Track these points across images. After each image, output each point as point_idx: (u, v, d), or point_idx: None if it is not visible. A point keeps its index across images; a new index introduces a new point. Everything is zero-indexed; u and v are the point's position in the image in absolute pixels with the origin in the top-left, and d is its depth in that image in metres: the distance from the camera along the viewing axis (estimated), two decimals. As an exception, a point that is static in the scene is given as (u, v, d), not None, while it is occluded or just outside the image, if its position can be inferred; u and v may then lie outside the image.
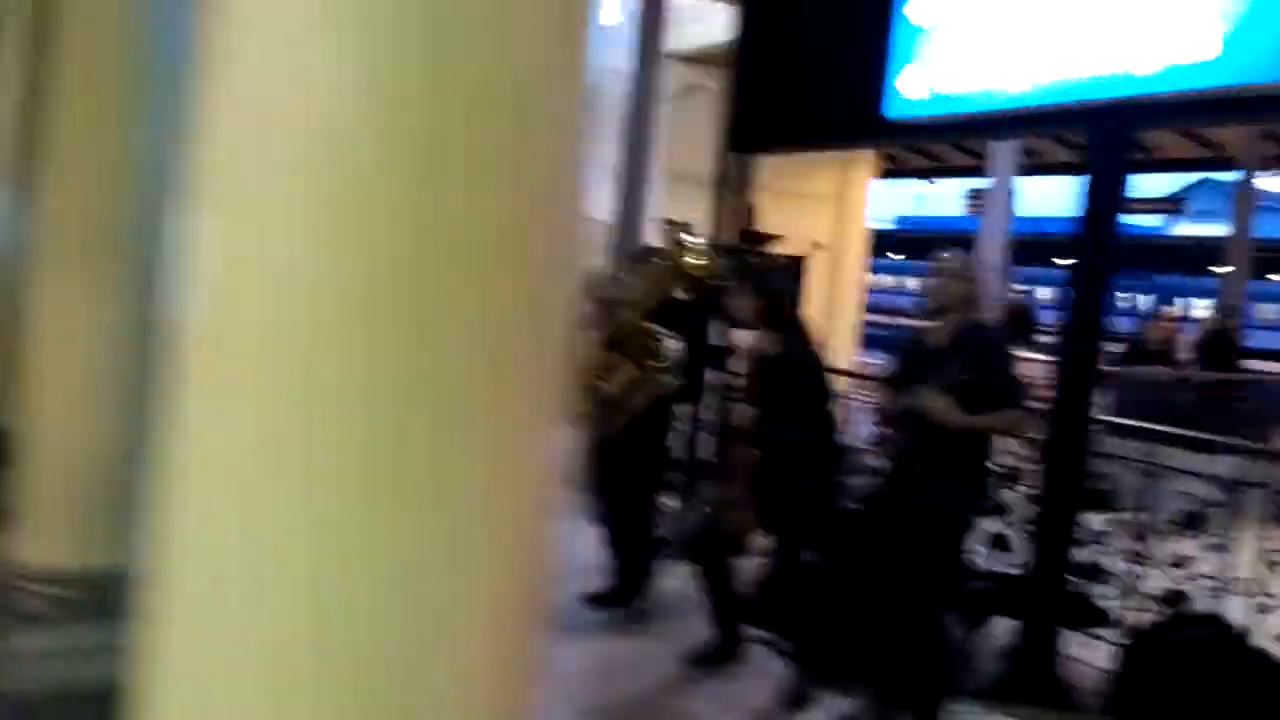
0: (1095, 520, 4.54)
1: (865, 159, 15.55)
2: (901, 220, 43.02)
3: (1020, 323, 15.02)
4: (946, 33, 4.25)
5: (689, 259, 4.80)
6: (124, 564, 3.61)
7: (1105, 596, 4.49)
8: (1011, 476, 4.71)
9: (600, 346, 4.83)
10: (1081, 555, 4.54)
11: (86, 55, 3.49)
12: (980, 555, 4.74)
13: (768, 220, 14.71)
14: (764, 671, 4.26)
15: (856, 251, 15.43)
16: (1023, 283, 21.96)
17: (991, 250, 10.61)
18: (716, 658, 4.41)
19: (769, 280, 4.39)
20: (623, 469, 4.94)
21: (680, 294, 4.98)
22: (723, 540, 4.30)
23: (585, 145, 1.37)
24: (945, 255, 3.87)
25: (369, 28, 1.08)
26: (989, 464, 3.94)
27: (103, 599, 3.53)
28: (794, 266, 14.71)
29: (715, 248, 5.21)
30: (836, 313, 14.97)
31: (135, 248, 3.57)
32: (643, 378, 4.77)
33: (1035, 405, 4.09)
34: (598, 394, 4.87)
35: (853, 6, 4.79)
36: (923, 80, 4.32)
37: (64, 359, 3.49)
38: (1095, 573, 4.54)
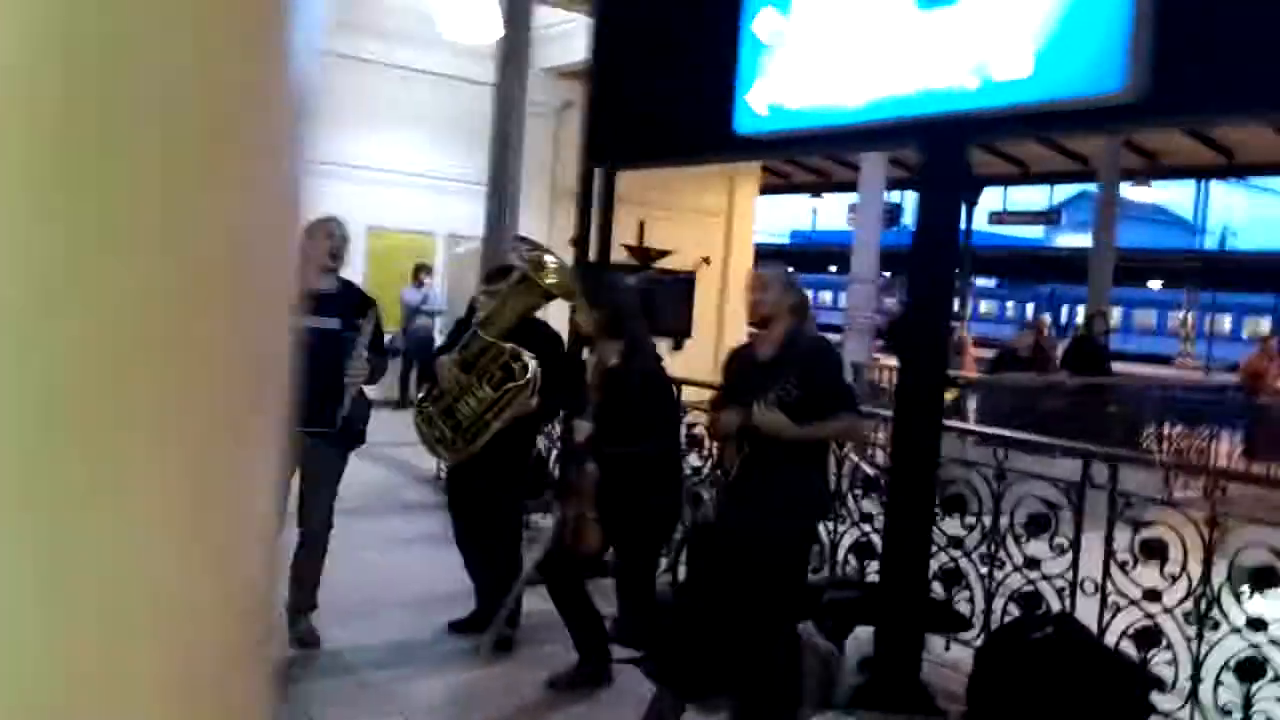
0: (951, 526, 4.62)
1: (752, 175, 15.81)
2: (795, 235, 43.83)
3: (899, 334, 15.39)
4: (788, 49, 4.29)
5: (543, 276, 4.75)
6: None
7: (964, 601, 4.56)
8: (874, 484, 4.76)
9: (456, 367, 4.74)
10: (940, 560, 4.62)
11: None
12: (847, 565, 4.79)
13: (659, 236, 14.86)
14: (629, 693, 4.21)
15: (745, 266, 15.64)
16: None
17: (865, 263, 10.81)
18: (580, 681, 4.34)
19: (609, 292, 4.36)
20: (482, 492, 4.85)
21: (535, 313, 4.93)
22: (573, 560, 4.25)
23: (285, 149, 1.29)
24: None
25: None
26: (828, 473, 3.98)
27: None
28: (683, 281, 14.83)
29: (581, 265, 5.18)
30: (727, 327, 15.11)
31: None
32: (499, 398, 4.69)
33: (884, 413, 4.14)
34: (453, 417, 4.78)
35: (706, 22, 4.81)
36: (767, 96, 4.35)
37: None
38: (954, 577, 4.61)
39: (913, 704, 4.20)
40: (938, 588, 4.61)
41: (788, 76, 4.28)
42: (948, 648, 4.61)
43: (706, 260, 15.06)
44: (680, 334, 14.18)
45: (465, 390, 4.75)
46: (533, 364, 4.63)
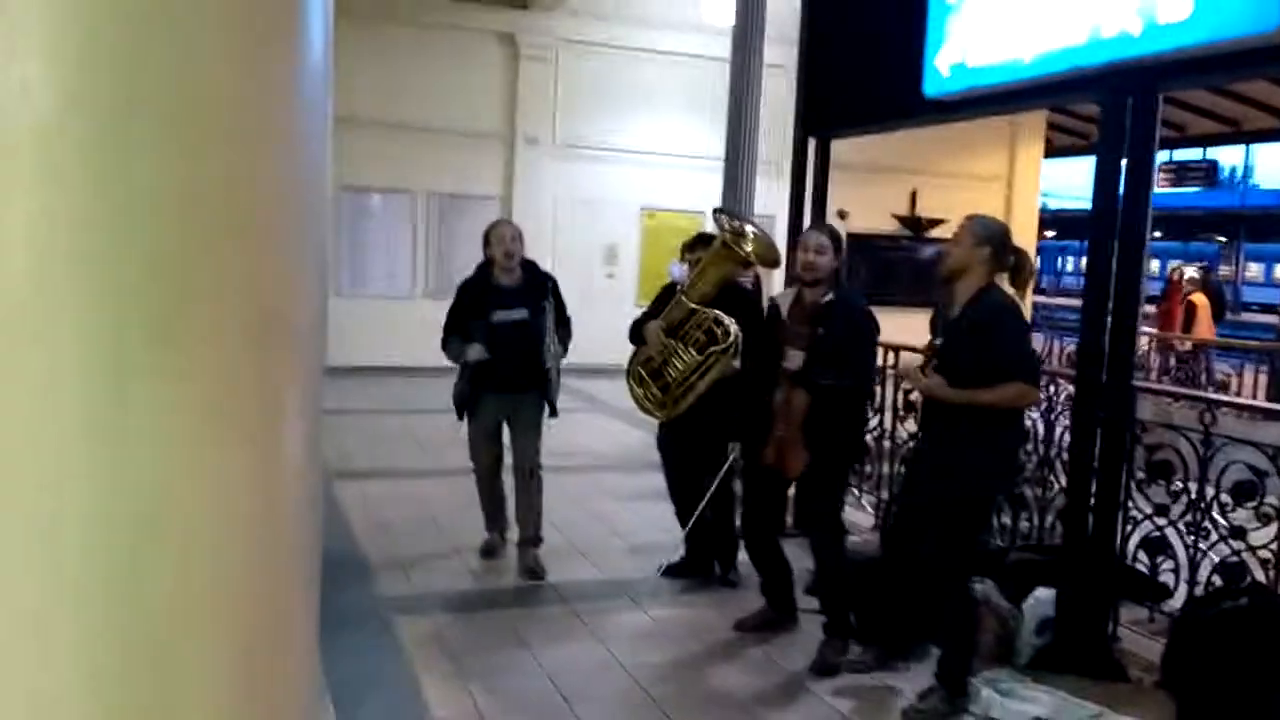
0: (1158, 494, 4.44)
1: (1035, 136, 15.04)
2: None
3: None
4: (970, 9, 4.28)
5: (743, 244, 4.99)
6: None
7: (1170, 571, 4.38)
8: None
9: (661, 331, 5.10)
10: (1144, 528, 4.45)
11: None
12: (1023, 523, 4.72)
13: (932, 204, 14.52)
14: (810, 637, 4.43)
15: (1028, 233, 14.92)
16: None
17: None
18: (764, 625, 4.60)
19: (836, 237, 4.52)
20: (690, 448, 5.19)
21: (739, 279, 5.20)
22: (767, 508, 4.47)
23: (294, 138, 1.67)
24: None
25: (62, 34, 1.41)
26: (1012, 436, 3.93)
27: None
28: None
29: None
30: (1008, 297, 14.52)
31: None
32: (703, 361, 4.99)
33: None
34: (661, 378, 5.15)
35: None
36: (950, 58, 4.37)
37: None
38: (1160, 546, 4.42)
39: (1098, 669, 4.12)
40: (1143, 556, 4.44)
41: (968, 36, 4.28)
42: (1152, 618, 4.44)
43: (984, 228, 14.49)
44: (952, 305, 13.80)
45: (671, 353, 5.10)
46: (734, 328, 4.90)
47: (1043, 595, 4.23)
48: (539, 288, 5.25)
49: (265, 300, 1.63)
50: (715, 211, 5.14)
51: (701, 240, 5.23)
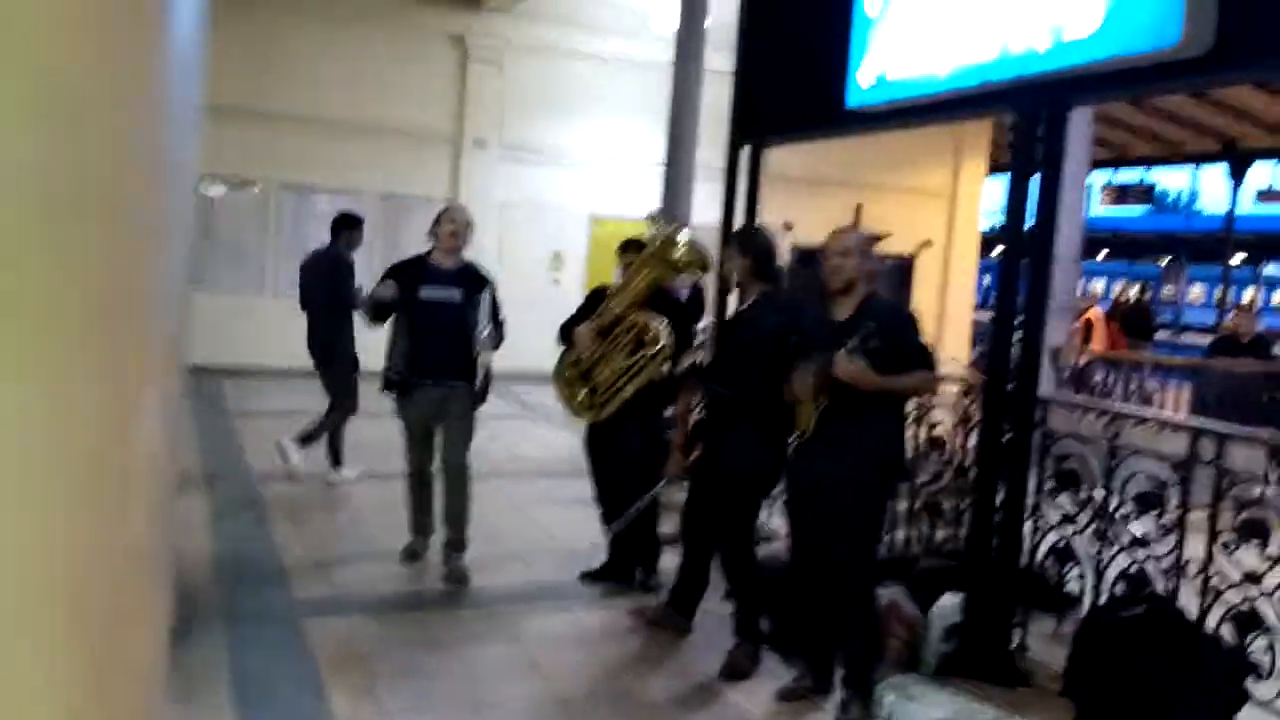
0: (1064, 501, 4.52)
1: (979, 153, 15.26)
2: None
3: (1141, 320, 14.41)
4: (890, 23, 4.35)
5: (672, 250, 5.03)
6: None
7: (1073, 579, 4.47)
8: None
9: (591, 334, 5.11)
10: (1051, 538, 4.53)
11: None
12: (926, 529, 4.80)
13: (876, 217, 14.67)
14: (713, 636, 4.46)
15: (969, 250, 15.14)
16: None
17: (1066, 241, 10.23)
18: (665, 621, 4.64)
19: (756, 239, 4.55)
20: (615, 453, 5.21)
21: (669, 283, 5.23)
22: (696, 507, 4.52)
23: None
24: (843, 232, 4.00)
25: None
26: (904, 432, 4.04)
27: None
28: (900, 265, 14.58)
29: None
30: (949, 313, 14.72)
31: None
32: (631, 365, 5.02)
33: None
34: (589, 382, 5.16)
35: (831, 2, 4.90)
36: (872, 70, 4.43)
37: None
38: (1066, 556, 4.51)
39: (1003, 675, 4.18)
40: (1050, 566, 4.53)
41: (888, 50, 4.35)
42: (1058, 628, 4.52)
43: (927, 243, 14.72)
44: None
45: (600, 356, 5.12)
46: (665, 332, 4.93)
47: (950, 602, 4.29)
48: (475, 279, 5.23)
49: (112, 288, 1.60)
50: (649, 216, 5.17)
51: (635, 244, 5.26)
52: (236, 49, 11.61)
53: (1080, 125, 10.16)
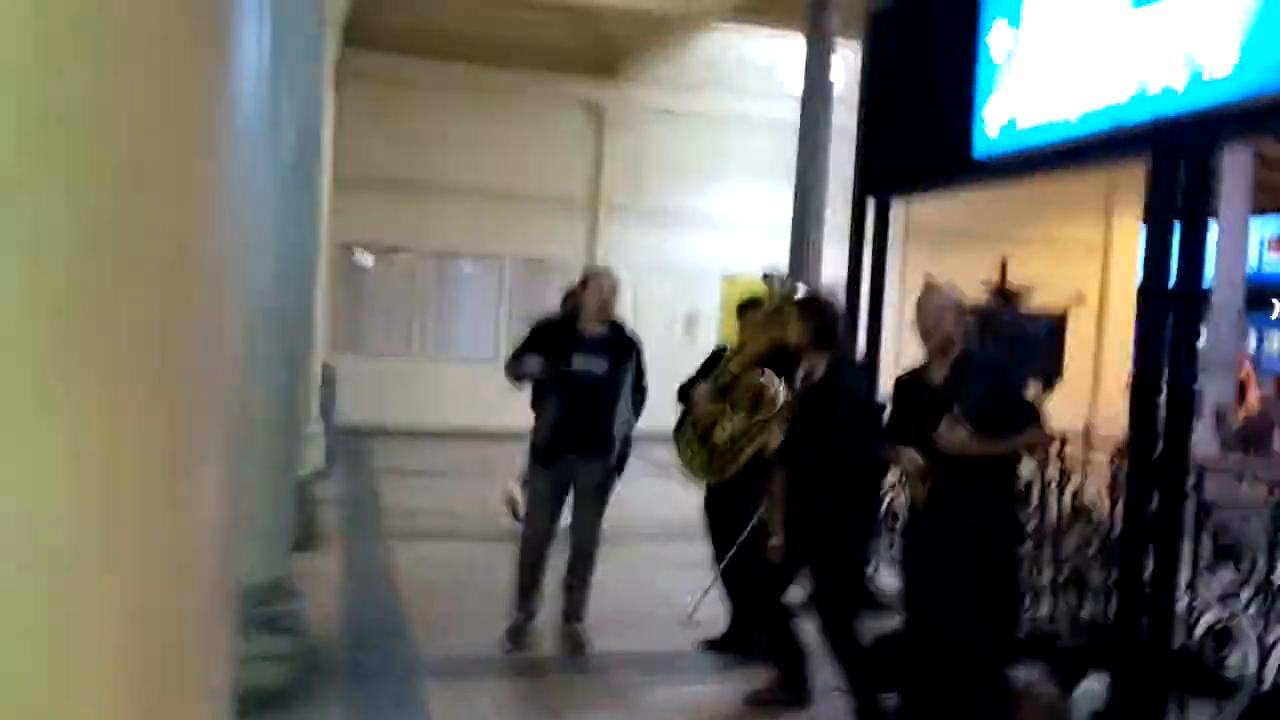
0: (1223, 577, 4.13)
1: (1133, 201, 14.52)
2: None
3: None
4: (1018, 64, 4.17)
5: (792, 309, 4.90)
6: (258, 580, 4.27)
7: (1234, 662, 4.05)
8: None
9: (709, 395, 5.02)
10: (1208, 617, 4.14)
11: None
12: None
13: (1025, 271, 14.15)
14: (828, 716, 4.24)
15: (1124, 304, 14.38)
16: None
17: (1228, 292, 9.55)
18: (776, 699, 4.43)
19: (819, 305, 4.43)
20: (735, 516, 5.06)
21: (787, 342, 5.09)
22: (766, 572, 4.33)
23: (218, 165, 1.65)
24: (936, 288, 3.78)
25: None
26: (1017, 499, 3.78)
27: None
28: (1052, 320, 13.96)
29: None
30: (1105, 368, 14.00)
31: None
32: (752, 425, 4.89)
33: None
34: (708, 443, 5.06)
35: (963, 44, 4.74)
36: (999, 115, 4.25)
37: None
38: (1225, 636, 4.11)
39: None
40: (1208, 646, 4.13)
41: (1016, 95, 4.16)
42: (1218, 714, 4.10)
43: (1080, 296, 14.07)
44: (1048, 375, 13.34)
45: (719, 416, 5.02)
46: (783, 392, 4.79)
47: (1095, 686, 3.96)
48: (624, 346, 5.08)
49: (172, 344, 1.60)
50: (765, 274, 5.05)
51: (754, 303, 5.16)
52: (384, 124, 12.16)
53: (1238, 169, 9.55)
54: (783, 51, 11.69)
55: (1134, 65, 3.53)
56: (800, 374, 4.36)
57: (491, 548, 6.84)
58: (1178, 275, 3.75)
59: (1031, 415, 3.71)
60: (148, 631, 1.57)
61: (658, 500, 8.91)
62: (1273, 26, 3.00)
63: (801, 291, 5.08)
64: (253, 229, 1.79)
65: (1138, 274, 14.12)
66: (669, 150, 13.17)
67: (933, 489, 3.66)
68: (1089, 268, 14.31)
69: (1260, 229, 19.34)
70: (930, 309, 3.72)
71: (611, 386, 4.95)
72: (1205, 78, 3.22)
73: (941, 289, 3.85)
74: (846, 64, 8.03)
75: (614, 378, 4.96)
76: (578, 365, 4.92)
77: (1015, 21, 4.18)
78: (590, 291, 5.05)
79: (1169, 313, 3.79)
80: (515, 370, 5.04)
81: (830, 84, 7.36)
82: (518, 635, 5.04)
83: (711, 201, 13.32)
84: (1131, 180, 14.16)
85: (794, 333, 4.37)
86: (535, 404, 5.21)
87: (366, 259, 12.85)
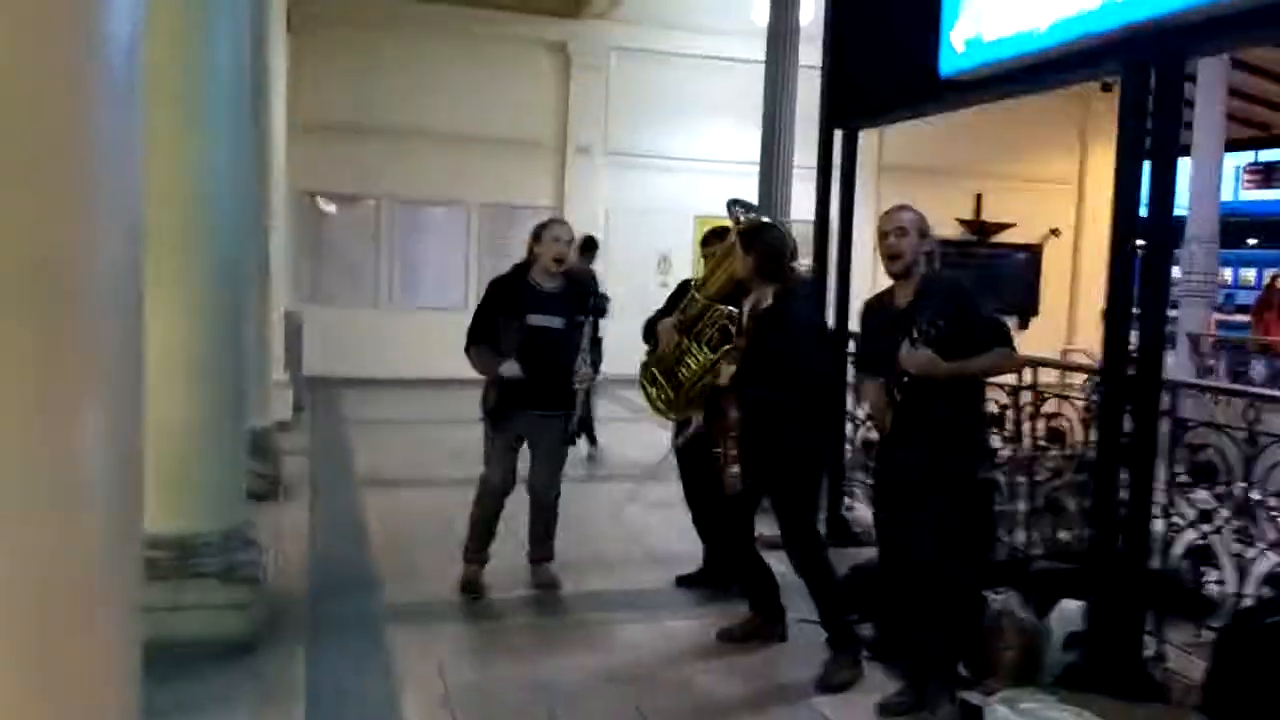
0: (1201, 496, 4.08)
1: (1107, 138, 14.41)
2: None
3: None
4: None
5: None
6: (210, 528, 4.15)
7: (1213, 582, 4.01)
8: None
9: (675, 330, 4.88)
10: (1186, 536, 4.09)
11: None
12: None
13: (999, 208, 14.08)
14: (804, 647, 4.19)
15: (1099, 238, 14.34)
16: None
17: (1203, 223, 9.44)
18: (749, 634, 4.38)
19: (764, 234, 4.31)
20: (705, 454, 4.96)
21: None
22: (727, 505, 4.26)
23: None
24: (900, 211, 3.67)
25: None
26: (985, 418, 3.71)
27: (179, 560, 4.04)
28: (1027, 255, 13.90)
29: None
30: (1080, 303, 13.99)
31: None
32: (717, 360, 4.77)
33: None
34: (673, 379, 4.93)
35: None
36: (965, 32, 4.10)
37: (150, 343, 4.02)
38: (1203, 555, 4.06)
39: (1133, 689, 3.77)
40: (1186, 567, 4.09)
41: (985, 7, 4.01)
42: (1198, 636, 4.07)
43: (1055, 232, 14.00)
44: (1025, 311, 13.31)
45: (685, 352, 4.89)
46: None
47: (1071, 607, 3.90)
48: (580, 298, 4.97)
49: (42, 278, 1.45)
50: (730, 203, 4.88)
51: (717, 234, 5.01)
52: (341, 69, 11.85)
53: (1210, 97, 9.38)
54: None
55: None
56: (748, 306, 4.25)
57: (466, 493, 6.74)
58: (1149, 201, 3.64)
59: (999, 334, 3.62)
60: (29, 571, 1.44)
61: (635, 441, 8.84)
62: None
63: (764, 220, 4.93)
64: (135, 164, 1.63)
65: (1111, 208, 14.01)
66: (636, 90, 12.91)
67: (900, 412, 3.56)
68: (1064, 204, 14.23)
69: (1237, 161, 19.35)
70: (892, 229, 3.63)
71: (569, 341, 4.84)
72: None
73: (904, 210, 3.75)
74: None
75: (571, 332, 4.85)
76: (534, 322, 4.79)
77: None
78: (544, 243, 4.88)
79: (1137, 235, 3.68)
80: (478, 363, 4.88)
81: (796, 15, 7.13)
82: (473, 585, 4.93)
83: (682, 142, 13.10)
84: (1102, 116, 14.12)
85: (739, 265, 4.24)
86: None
87: (329, 206, 12.58)
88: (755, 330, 4.13)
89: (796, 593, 4.30)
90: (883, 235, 3.68)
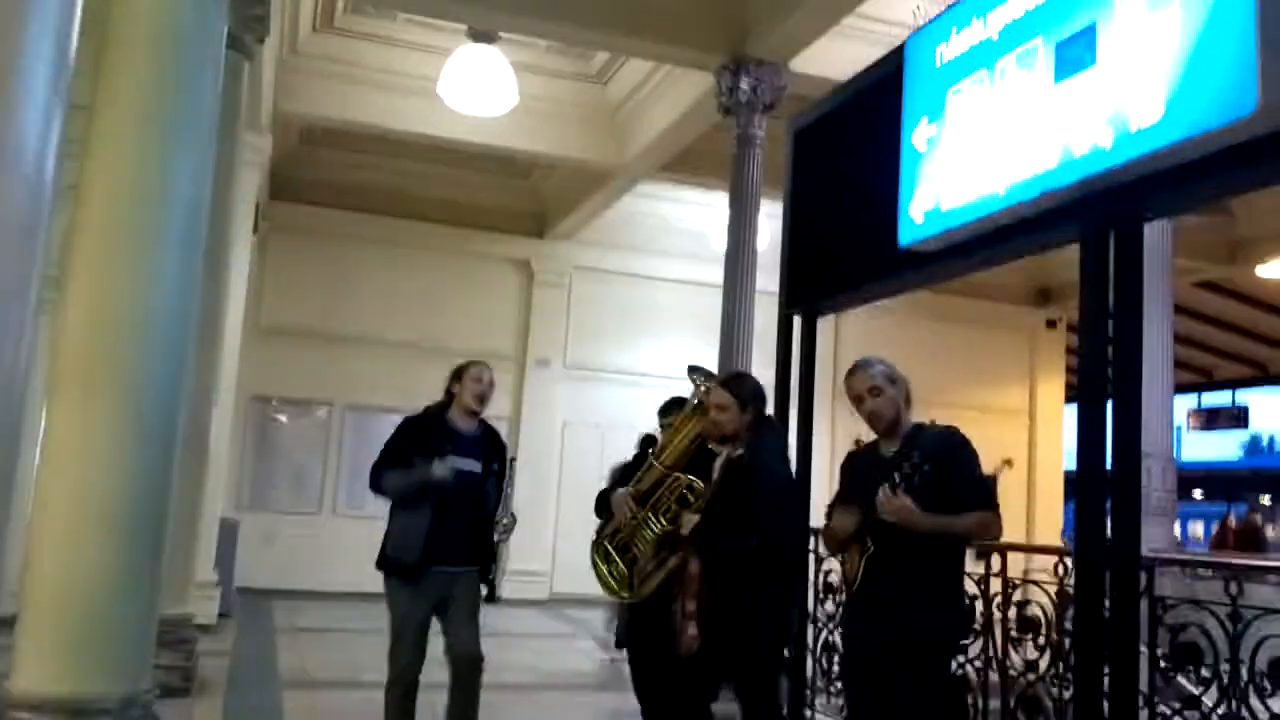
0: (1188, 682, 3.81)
1: (1055, 377, 14.76)
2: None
3: (1252, 538, 13.42)
4: (940, 153, 4.13)
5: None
6: (108, 692, 3.70)
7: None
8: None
9: (632, 499, 4.66)
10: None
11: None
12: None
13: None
14: None
15: (1056, 471, 14.45)
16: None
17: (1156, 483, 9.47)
18: None
19: (754, 393, 4.21)
20: (658, 632, 4.62)
21: (711, 444, 4.81)
22: (683, 671, 3.92)
23: None
24: (865, 368, 3.59)
25: None
26: (963, 582, 3.47)
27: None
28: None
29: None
30: (1036, 531, 13.91)
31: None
32: (675, 531, 4.54)
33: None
34: (628, 554, 4.67)
35: (883, 149, 4.69)
36: (923, 204, 4.18)
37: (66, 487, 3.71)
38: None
39: None
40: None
41: (942, 178, 4.10)
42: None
43: (1008, 462, 14.03)
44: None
45: (642, 524, 4.65)
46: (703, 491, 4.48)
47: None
48: (496, 446, 4.79)
49: None
50: (690, 369, 4.80)
51: (677, 403, 4.90)
52: (307, 274, 12.01)
53: (1157, 339, 9.55)
54: (709, 216, 11.87)
55: (1059, 134, 3.47)
56: (721, 459, 4.10)
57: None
58: (1113, 383, 3.55)
59: (985, 495, 3.43)
60: None
61: (578, 656, 8.38)
62: (1196, 77, 2.97)
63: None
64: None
65: (1063, 439, 14.14)
66: (596, 307, 13.22)
67: (871, 566, 3.34)
68: (1017, 435, 14.39)
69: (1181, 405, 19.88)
70: (865, 391, 3.51)
71: (484, 490, 4.63)
72: (1133, 129, 3.16)
73: (868, 365, 3.65)
74: (771, 227, 8.16)
75: (488, 480, 4.64)
76: (455, 465, 4.49)
77: (937, 116, 4.16)
78: (466, 384, 4.67)
79: (1108, 397, 3.58)
80: (382, 484, 4.53)
81: (754, 241, 7.56)
82: None
83: (640, 358, 13.26)
84: (1051, 345, 14.58)
85: (726, 417, 4.11)
86: (396, 507, 4.61)
87: (280, 416, 12.39)
88: (724, 478, 3.95)
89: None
90: (858, 400, 3.56)
